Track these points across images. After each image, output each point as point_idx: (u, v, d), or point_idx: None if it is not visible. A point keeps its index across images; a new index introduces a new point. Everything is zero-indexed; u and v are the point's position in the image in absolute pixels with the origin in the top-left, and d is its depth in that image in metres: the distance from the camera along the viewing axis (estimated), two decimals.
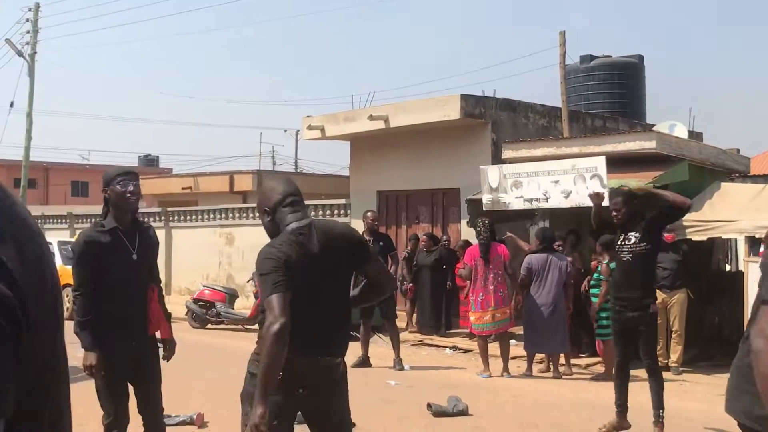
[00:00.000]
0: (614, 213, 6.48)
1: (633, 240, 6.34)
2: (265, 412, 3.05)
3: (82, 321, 4.42)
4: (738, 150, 15.77)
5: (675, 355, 9.91)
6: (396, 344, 10.24)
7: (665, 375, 9.76)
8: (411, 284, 13.36)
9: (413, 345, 12.44)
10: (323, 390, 3.36)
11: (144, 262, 4.60)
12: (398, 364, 10.10)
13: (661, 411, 6.43)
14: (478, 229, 9.84)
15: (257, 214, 17.19)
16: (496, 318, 9.61)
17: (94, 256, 4.43)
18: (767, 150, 25.60)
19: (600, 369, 9.84)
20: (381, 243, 10.38)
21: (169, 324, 4.78)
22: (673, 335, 9.92)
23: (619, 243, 6.47)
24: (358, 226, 16.05)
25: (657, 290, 10.00)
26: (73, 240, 18.12)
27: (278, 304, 3.10)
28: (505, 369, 9.71)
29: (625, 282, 6.46)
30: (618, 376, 6.76)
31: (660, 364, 9.99)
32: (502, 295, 9.63)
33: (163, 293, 4.90)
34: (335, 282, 3.43)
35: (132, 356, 4.48)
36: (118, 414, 4.47)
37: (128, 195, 4.48)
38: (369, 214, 10.51)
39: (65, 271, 11.79)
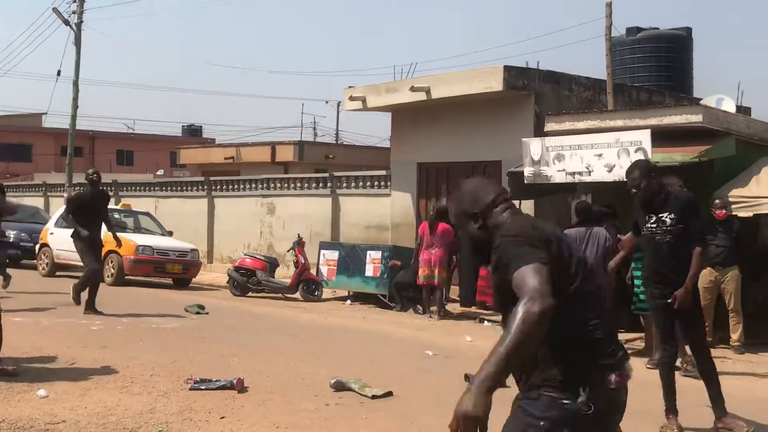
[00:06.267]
0: (633, 190, 5.81)
1: (669, 222, 5.78)
2: (489, 404, 2.31)
3: None
4: None
5: (736, 334, 9.75)
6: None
7: (726, 353, 9.59)
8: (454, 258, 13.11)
9: (454, 317, 12.51)
10: None
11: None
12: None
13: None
14: (430, 212, 13.50)
15: (298, 185, 17.20)
16: (435, 273, 12.37)
17: None
18: None
19: (640, 345, 9.76)
20: None
21: None
22: (730, 314, 9.77)
23: (652, 225, 5.86)
24: (399, 198, 16.15)
25: (709, 268, 9.87)
26: (116, 207, 18.37)
27: (541, 277, 2.44)
28: (428, 312, 12.47)
29: (669, 264, 5.84)
30: (665, 375, 5.81)
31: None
32: (441, 259, 12.40)
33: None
34: None
35: None
36: None
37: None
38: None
39: (110, 238, 11.98)
